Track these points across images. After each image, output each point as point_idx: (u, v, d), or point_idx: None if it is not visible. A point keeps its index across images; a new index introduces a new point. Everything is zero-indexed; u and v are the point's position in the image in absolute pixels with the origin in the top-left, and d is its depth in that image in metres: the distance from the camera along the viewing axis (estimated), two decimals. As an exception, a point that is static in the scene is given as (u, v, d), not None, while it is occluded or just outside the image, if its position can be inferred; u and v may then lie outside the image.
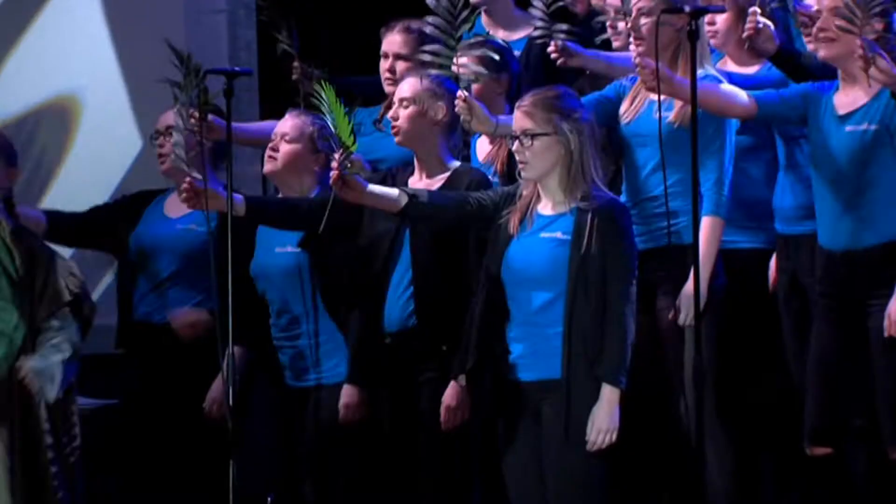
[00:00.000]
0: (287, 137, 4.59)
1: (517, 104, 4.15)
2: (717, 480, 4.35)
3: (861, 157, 4.19)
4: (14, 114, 6.31)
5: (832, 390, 4.24)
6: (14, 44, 6.27)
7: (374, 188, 4.19)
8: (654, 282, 4.40)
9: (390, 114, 4.57)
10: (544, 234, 4.12)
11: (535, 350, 4.08)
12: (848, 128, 4.22)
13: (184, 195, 4.33)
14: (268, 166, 4.65)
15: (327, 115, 4.06)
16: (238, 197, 4.35)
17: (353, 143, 4.02)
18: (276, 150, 4.59)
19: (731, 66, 4.67)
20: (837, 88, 4.26)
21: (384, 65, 4.93)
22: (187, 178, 4.27)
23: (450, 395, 4.37)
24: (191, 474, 4.78)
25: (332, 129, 4.09)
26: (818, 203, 4.28)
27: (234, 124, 4.52)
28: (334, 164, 4.06)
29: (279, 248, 4.61)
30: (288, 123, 4.64)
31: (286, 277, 4.59)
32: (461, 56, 4.20)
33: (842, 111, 4.23)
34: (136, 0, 6.29)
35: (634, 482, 4.52)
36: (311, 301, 4.59)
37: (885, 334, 4.11)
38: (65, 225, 5.05)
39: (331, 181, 4.09)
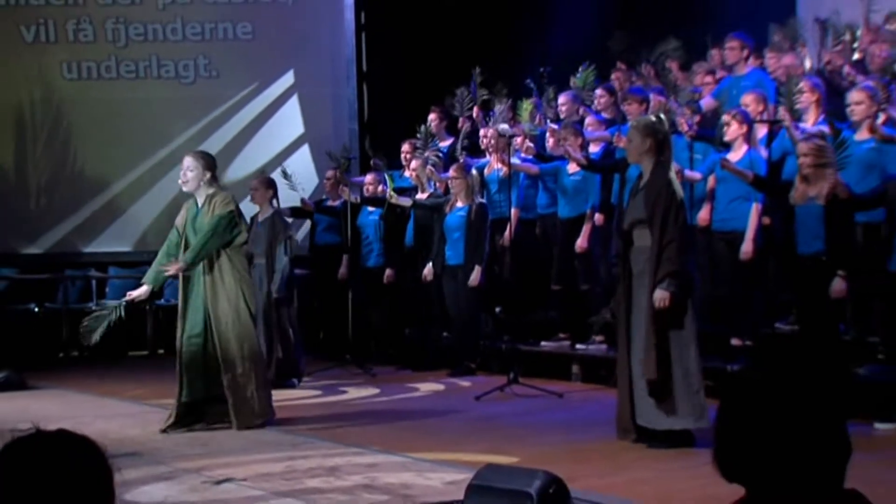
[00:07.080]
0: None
1: (451, 168, 11.41)
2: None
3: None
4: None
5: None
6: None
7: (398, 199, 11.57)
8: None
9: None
10: (458, 213, 11.13)
11: (455, 253, 11.15)
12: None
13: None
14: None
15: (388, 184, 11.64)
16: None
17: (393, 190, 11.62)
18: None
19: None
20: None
21: (404, 154, 12.08)
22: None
23: (428, 269, 11.38)
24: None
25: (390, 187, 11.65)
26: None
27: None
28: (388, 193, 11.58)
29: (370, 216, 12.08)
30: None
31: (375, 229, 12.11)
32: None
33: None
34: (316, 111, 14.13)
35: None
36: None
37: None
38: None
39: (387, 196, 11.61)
